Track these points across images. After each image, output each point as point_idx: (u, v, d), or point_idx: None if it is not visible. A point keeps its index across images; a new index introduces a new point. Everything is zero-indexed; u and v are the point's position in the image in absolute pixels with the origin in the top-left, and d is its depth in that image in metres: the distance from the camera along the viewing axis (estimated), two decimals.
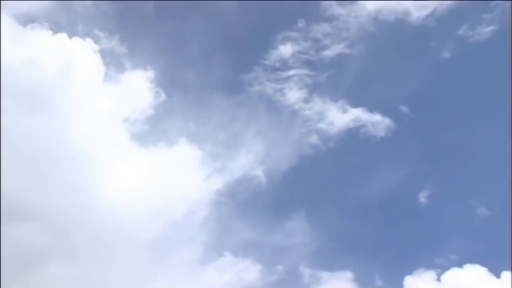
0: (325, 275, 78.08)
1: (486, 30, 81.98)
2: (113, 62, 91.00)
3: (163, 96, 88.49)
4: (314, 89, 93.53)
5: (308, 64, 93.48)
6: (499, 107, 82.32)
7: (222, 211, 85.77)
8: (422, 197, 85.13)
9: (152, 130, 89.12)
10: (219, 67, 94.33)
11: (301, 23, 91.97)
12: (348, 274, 75.34)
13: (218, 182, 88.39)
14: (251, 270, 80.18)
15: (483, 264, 70.16)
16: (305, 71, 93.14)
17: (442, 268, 70.96)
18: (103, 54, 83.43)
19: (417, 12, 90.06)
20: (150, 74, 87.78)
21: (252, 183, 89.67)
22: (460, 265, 70.11)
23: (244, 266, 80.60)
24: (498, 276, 58.76)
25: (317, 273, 78.68)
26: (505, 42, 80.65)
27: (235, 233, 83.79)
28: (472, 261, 72.04)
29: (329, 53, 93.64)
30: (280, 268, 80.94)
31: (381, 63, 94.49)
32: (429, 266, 75.49)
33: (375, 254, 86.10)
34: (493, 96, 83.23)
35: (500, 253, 70.74)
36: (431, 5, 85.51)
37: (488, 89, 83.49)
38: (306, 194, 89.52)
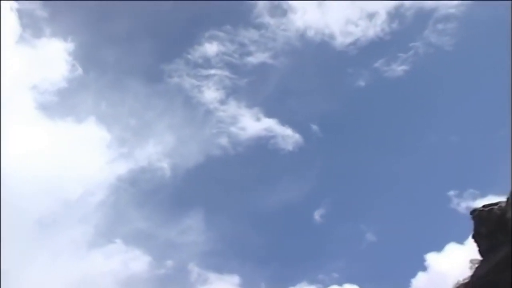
0: (212, 276, 79.22)
1: (399, 68, 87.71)
2: (30, 25, 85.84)
3: (79, 70, 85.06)
4: (232, 92, 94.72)
5: (230, 66, 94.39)
6: (400, 140, 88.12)
7: (120, 197, 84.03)
8: (317, 215, 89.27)
9: (61, 103, 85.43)
10: (142, 52, 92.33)
11: (230, 25, 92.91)
12: (235, 278, 77.10)
13: (122, 168, 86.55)
14: (139, 261, 79.28)
15: (361, 285, 75.10)
16: (226, 73, 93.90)
17: (324, 284, 74.89)
18: (21, 14, 78.76)
19: (342, 38, 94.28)
20: (69, 45, 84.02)
21: (156, 174, 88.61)
22: (340, 283, 74.44)
23: (133, 255, 79.60)
24: None
25: (205, 273, 79.62)
26: (414, 82, 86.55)
27: (130, 221, 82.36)
28: (352, 281, 76.76)
29: (252, 59, 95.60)
30: (169, 263, 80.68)
31: (300, 80, 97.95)
32: (312, 281, 79.44)
33: (264, 263, 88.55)
34: (396, 129, 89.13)
35: (380, 278, 75.92)
36: (356, 35, 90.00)
37: (392, 121, 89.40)
38: (207, 195, 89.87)
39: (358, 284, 76.73)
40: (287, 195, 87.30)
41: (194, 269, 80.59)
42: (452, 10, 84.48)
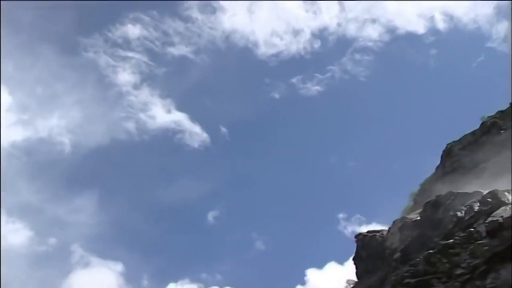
0: (95, 260, 76.89)
1: (314, 88, 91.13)
2: None
3: None
4: (147, 79, 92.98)
5: (150, 53, 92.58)
6: (302, 156, 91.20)
7: (11, 165, 79.25)
8: (211, 216, 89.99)
9: None
10: (61, 20, 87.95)
11: (157, 12, 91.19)
12: (119, 266, 75.42)
13: (18, 135, 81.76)
14: (20, 234, 75.04)
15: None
16: (145, 59, 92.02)
17: (205, 284, 75.58)
18: None
19: (265, 48, 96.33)
20: None
21: (54, 148, 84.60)
22: (222, 285, 75.61)
23: (14, 228, 75.24)
24: None
25: (88, 256, 77.09)
26: (326, 104, 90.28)
27: (17, 191, 77.87)
28: (234, 285, 78.19)
29: (174, 50, 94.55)
30: (52, 240, 77.06)
31: (218, 81, 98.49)
32: (195, 280, 79.85)
33: (151, 255, 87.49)
34: (301, 146, 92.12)
35: (261, 286, 77.85)
36: (279, 47, 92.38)
37: (299, 138, 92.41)
38: (105, 177, 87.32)
39: None
40: (184, 191, 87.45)
41: (78, 251, 78.12)
42: (370, 44, 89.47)
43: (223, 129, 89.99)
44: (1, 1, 73.11)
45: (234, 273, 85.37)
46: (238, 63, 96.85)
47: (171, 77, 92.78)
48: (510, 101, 34.44)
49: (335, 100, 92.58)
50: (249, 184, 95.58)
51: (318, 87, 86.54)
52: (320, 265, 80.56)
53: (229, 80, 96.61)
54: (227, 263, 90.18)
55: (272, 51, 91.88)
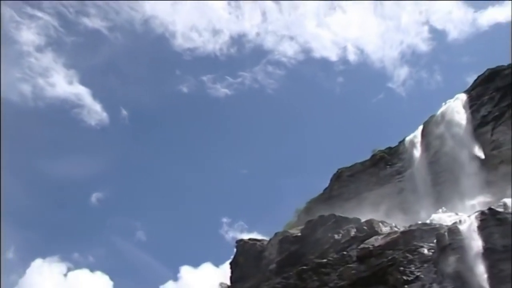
0: None
1: (222, 90, 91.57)
2: None
3: None
4: (53, 44, 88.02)
5: (62, 18, 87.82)
6: (198, 155, 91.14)
7: None
8: (95, 197, 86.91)
9: None
10: None
11: None
12: None
13: None
14: None
15: (113, 277, 74.82)
16: (55, 23, 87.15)
17: (75, 265, 72.66)
18: None
19: (182, 40, 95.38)
20: None
21: None
22: (93, 269, 73.25)
23: None
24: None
25: None
26: (231, 108, 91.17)
27: None
28: (106, 271, 76.15)
29: (88, 22, 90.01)
30: None
31: (128, 62, 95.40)
32: (65, 258, 76.36)
33: (23, 228, 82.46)
34: (198, 145, 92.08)
35: (132, 275, 76.47)
36: (196, 43, 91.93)
37: (197, 136, 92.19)
38: None
39: (110, 275, 76.12)
40: (72, 168, 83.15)
41: None
42: (284, 59, 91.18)
43: (124, 112, 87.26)
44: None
45: (108, 259, 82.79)
46: (152, 50, 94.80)
47: (79, 48, 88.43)
48: (399, 140, 36.87)
49: (241, 106, 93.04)
50: (140, 173, 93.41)
51: (226, 90, 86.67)
52: (195, 264, 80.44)
53: (139, 64, 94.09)
54: (103, 247, 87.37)
55: (188, 45, 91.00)
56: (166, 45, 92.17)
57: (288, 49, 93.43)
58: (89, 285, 64.21)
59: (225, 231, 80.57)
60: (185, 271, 68.82)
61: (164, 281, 75.82)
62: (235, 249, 36.53)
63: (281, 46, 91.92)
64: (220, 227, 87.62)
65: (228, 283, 35.45)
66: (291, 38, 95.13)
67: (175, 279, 71.51)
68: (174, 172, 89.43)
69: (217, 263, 68.69)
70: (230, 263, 35.42)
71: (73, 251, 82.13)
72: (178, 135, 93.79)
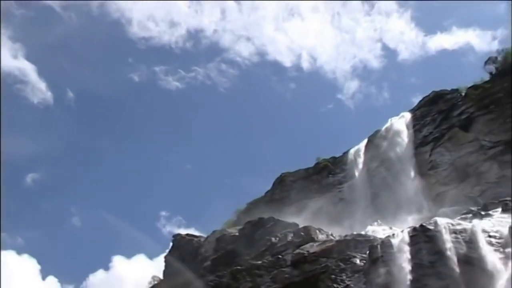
0: None
1: (173, 82, 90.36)
2: None
3: None
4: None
5: None
6: (145, 147, 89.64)
7: None
8: (31, 178, 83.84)
9: None
10: None
11: None
12: None
13: None
14: None
15: (40, 260, 72.50)
16: None
17: (2, 246, 69.83)
18: None
19: (138, 28, 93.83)
20: None
21: None
22: (20, 252, 70.68)
23: None
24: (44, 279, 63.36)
25: None
26: (179, 102, 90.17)
27: None
28: (33, 254, 73.70)
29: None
30: None
31: (80, 44, 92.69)
32: None
33: None
34: (146, 136, 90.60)
35: (61, 263, 74.30)
36: (152, 33, 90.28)
37: (145, 126, 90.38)
38: None
39: (38, 259, 73.50)
40: (9, 145, 79.42)
41: None
42: (239, 59, 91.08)
43: (70, 94, 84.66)
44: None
45: (38, 242, 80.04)
46: (106, 34, 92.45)
47: (29, 22, 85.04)
48: (344, 151, 37.72)
49: (191, 101, 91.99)
50: (81, 157, 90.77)
51: (178, 83, 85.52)
52: (128, 254, 78.97)
53: (91, 47, 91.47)
54: (35, 230, 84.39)
55: (144, 34, 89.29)
56: (121, 31, 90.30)
57: (244, 50, 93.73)
58: (13, 267, 61.91)
59: (163, 224, 79.74)
60: (117, 261, 67.60)
61: (94, 270, 74.23)
62: (171, 243, 36.35)
63: (237, 45, 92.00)
64: (157, 220, 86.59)
65: (161, 276, 35.21)
66: (248, 39, 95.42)
67: (106, 268, 70.11)
68: (116, 160, 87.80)
69: (151, 256, 67.91)
70: (165, 257, 35.20)
71: (1, 231, 79.03)
72: (124, 123, 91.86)
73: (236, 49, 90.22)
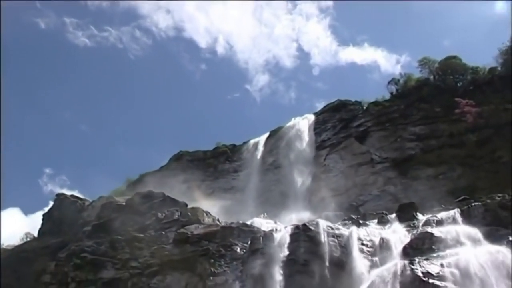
0: None
1: (82, 39, 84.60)
2: None
3: None
4: None
5: None
6: (41, 99, 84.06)
7: None
8: None
9: None
10: None
11: None
12: None
13: None
14: None
15: None
16: None
17: None
18: None
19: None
20: None
21: None
22: None
23: None
24: None
25: None
26: (86, 60, 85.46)
27: None
28: None
29: None
30: None
31: None
32: None
33: None
34: (43, 88, 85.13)
35: None
36: None
37: (41, 77, 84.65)
38: None
39: None
40: None
41: None
42: (155, 29, 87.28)
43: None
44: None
45: None
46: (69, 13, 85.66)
47: None
48: (245, 141, 38.31)
49: (97, 62, 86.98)
50: None
51: (87, 40, 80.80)
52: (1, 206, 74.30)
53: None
54: None
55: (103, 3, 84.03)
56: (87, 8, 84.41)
57: (162, 21, 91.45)
58: None
59: (44, 182, 75.81)
60: None
61: None
62: (52, 202, 34.79)
63: (155, 15, 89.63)
64: (40, 176, 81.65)
65: (36, 234, 33.63)
66: (168, 11, 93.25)
67: None
68: (7, 107, 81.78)
69: (26, 212, 64.47)
70: (44, 215, 33.62)
71: None
72: (21, 70, 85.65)
73: (154, 18, 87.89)
